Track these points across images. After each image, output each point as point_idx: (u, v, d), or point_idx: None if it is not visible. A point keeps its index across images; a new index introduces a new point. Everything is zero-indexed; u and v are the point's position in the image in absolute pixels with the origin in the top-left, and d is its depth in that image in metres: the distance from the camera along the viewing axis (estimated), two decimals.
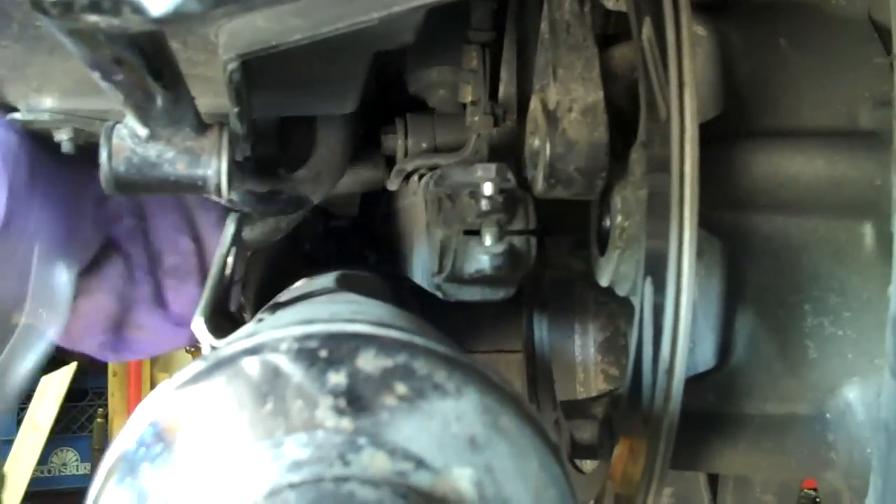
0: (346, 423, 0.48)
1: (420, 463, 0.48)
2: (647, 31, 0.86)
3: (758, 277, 0.92)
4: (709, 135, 0.90)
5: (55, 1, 0.43)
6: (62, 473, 4.84)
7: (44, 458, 4.37)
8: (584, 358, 1.50)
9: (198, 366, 0.52)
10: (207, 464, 0.48)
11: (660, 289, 0.80)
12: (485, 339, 1.72)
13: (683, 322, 0.77)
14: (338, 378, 0.49)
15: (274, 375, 0.50)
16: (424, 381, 0.50)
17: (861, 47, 0.98)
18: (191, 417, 0.50)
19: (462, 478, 0.48)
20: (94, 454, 4.76)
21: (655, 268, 0.82)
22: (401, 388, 0.49)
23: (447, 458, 0.48)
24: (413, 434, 0.48)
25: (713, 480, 1.27)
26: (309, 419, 0.48)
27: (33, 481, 4.02)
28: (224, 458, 0.48)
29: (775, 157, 0.90)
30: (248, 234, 1.24)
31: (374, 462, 0.47)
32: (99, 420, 4.78)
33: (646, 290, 0.84)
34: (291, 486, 0.46)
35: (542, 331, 1.44)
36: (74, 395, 4.55)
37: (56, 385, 4.05)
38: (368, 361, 0.50)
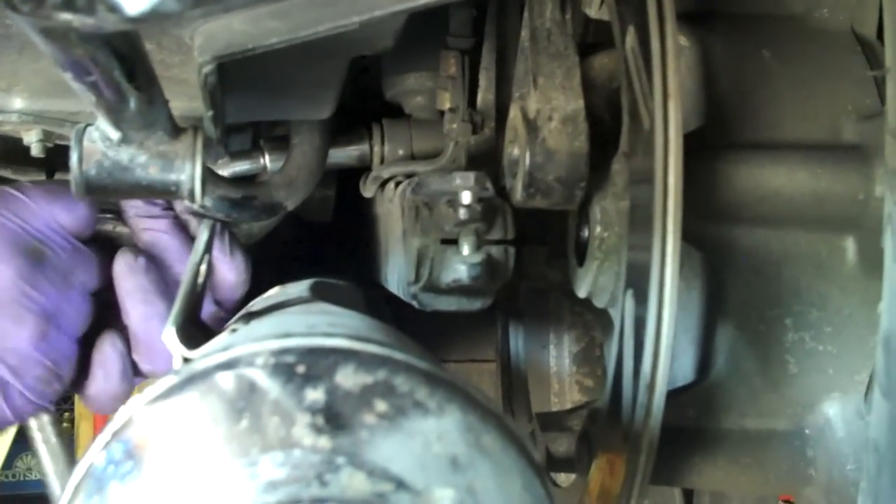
0: (324, 441, 0.46)
1: (400, 484, 0.46)
2: (630, 40, 0.85)
3: (739, 291, 0.91)
4: (691, 146, 0.89)
5: None
6: (27, 478, 4.77)
7: (8, 463, 4.30)
8: (558, 369, 1.49)
9: (170, 380, 0.50)
10: (179, 483, 0.46)
11: (641, 302, 0.79)
12: (458, 348, 1.70)
13: (666, 336, 0.75)
14: (316, 395, 0.47)
15: (249, 391, 0.48)
16: (405, 399, 0.48)
17: (844, 60, 0.98)
18: (162, 434, 0.49)
19: (443, 499, 0.47)
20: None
21: (637, 281, 0.81)
22: (381, 405, 0.48)
23: (428, 478, 0.47)
24: (393, 454, 0.47)
25: (688, 493, 1.26)
26: (285, 437, 0.46)
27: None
28: (197, 477, 0.46)
29: (757, 169, 0.89)
30: None
31: (353, 483, 0.45)
32: (65, 424, 4.70)
33: (627, 302, 0.83)
34: None
35: (517, 341, 1.43)
36: None
37: None
38: (348, 378, 0.48)
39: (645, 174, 0.79)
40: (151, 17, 0.41)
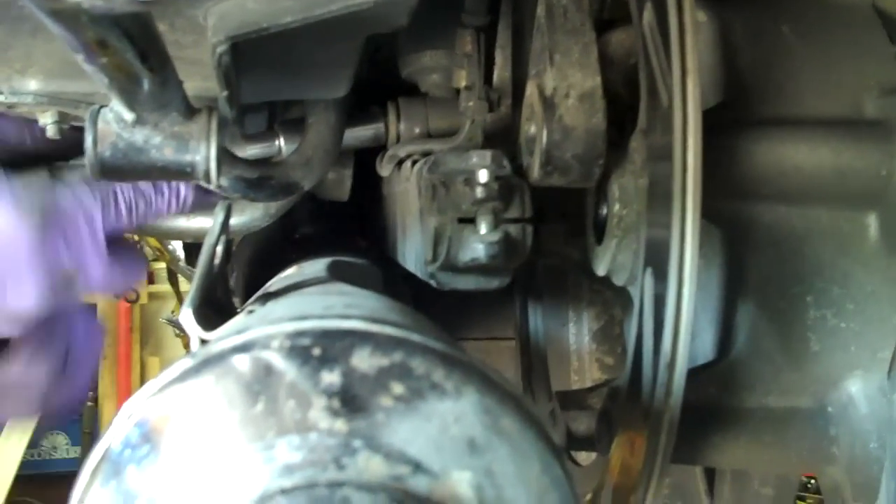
0: (340, 424, 0.46)
1: (417, 466, 0.46)
2: (648, 15, 0.84)
3: (759, 268, 0.90)
4: (710, 123, 0.88)
5: None
6: (52, 457, 4.83)
7: (34, 442, 4.35)
8: (578, 347, 1.48)
9: (186, 363, 0.49)
10: (195, 466, 0.46)
11: (661, 280, 0.78)
12: (477, 325, 1.70)
13: (686, 314, 0.75)
14: (332, 377, 0.47)
15: (265, 374, 0.47)
16: (422, 381, 0.48)
17: (865, 35, 0.96)
18: (178, 417, 0.48)
19: (461, 482, 0.46)
20: (84, 437, 4.74)
21: (656, 259, 0.80)
22: (397, 387, 0.47)
23: (446, 461, 0.46)
24: (410, 436, 0.46)
25: (709, 471, 1.26)
26: (302, 420, 0.46)
27: (24, 464, 4.00)
28: (213, 460, 0.46)
29: (778, 146, 0.88)
30: (237, 219, 1.22)
31: (370, 466, 0.45)
32: (89, 403, 4.75)
33: (646, 281, 0.82)
34: (283, 491, 0.44)
35: (536, 319, 1.42)
36: None
37: None
38: (364, 360, 0.48)
39: (664, 151, 0.78)
40: None
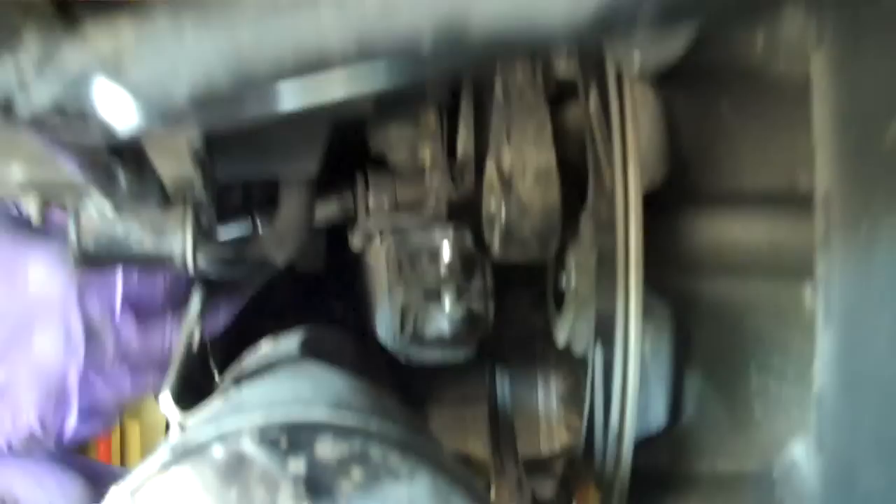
0: None
1: None
2: (593, 101, 0.90)
3: (705, 339, 0.95)
4: (654, 199, 0.94)
5: (30, 118, 0.46)
6: None
7: None
8: (546, 412, 1.52)
9: (164, 455, 0.54)
10: None
11: (609, 352, 0.83)
12: (450, 389, 1.74)
13: (631, 387, 0.80)
14: (297, 465, 0.52)
15: (238, 463, 0.52)
16: (379, 467, 0.53)
17: (800, 110, 1.02)
18: (164, 499, 0.53)
19: None
20: None
21: (604, 330, 0.85)
22: (356, 473, 0.52)
23: None
24: None
25: None
26: None
27: None
28: None
29: (717, 221, 0.94)
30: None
31: None
32: None
33: (596, 352, 0.88)
34: None
35: (503, 386, 1.47)
36: None
37: None
38: (326, 449, 0.53)
39: (609, 229, 0.84)
40: (138, 135, 0.46)
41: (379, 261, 1.20)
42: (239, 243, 1.16)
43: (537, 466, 1.18)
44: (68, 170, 0.72)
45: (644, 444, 0.93)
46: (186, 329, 0.89)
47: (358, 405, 0.57)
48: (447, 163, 1.28)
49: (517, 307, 1.38)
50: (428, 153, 1.29)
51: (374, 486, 0.52)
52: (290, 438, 0.53)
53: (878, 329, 0.55)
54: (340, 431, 0.53)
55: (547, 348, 1.49)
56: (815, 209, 0.93)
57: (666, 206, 0.96)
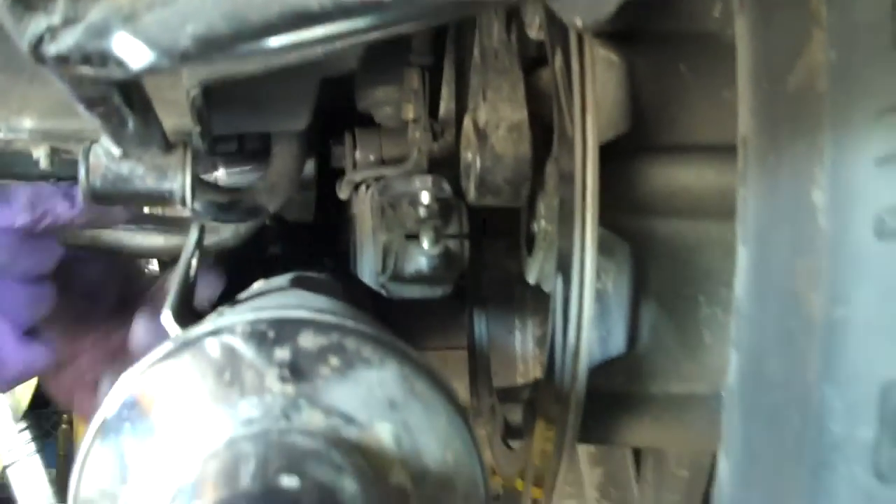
0: (289, 388, 0.60)
1: (349, 419, 0.60)
2: (558, 60, 0.99)
3: (659, 274, 1.04)
4: (616, 149, 1.03)
5: (55, 56, 0.55)
6: None
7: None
8: (523, 352, 1.62)
9: (167, 346, 0.63)
10: (177, 423, 0.60)
11: (567, 284, 0.93)
12: (434, 337, 1.84)
13: (586, 312, 0.89)
14: (282, 353, 0.61)
15: (230, 352, 0.61)
16: (353, 355, 0.62)
17: None
18: (162, 388, 0.62)
19: (383, 431, 0.61)
20: (59, 460, 4.79)
21: (564, 266, 0.94)
22: (334, 360, 0.61)
23: (371, 415, 0.61)
24: (343, 397, 0.60)
25: (638, 459, 1.40)
26: (259, 386, 0.60)
27: (0, 487, 4.06)
28: (190, 418, 0.60)
29: (671, 169, 1.03)
30: (210, 239, 1.36)
31: (312, 419, 0.59)
32: (64, 426, 4.81)
33: (558, 285, 0.97)
34: (245, 437, 0.58)
35: (481, 327, 1.56)
36: (38, 402, 4.59)
37: (20, 392, 4.10)
38: (308, 340, 0.62)
39: (569, 175, 0.93)
40: (150, 71, 0.55)
41: (364, 208, 1.30)
42: (233, 189, 1.25)
43: (509, 395, 1.27)
44: (84, 116, 0.81)
45: (604, 368, 1.03)
46: (184, 259, 0.98)
47: (336, 312, 0.66)
48: (429, 120, 1.38)
49: (495, 255, 1.48)
50: (411, 111, 1.39)
51: (349, 370, 0.61)
52: (277, 332, 0.62)
53: (780, 243, 0.64)
54: (321, 326, 0.62)
55: (524, 294, 1.59)
56: None
57: (627, 155, 1.05)
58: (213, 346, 0.62)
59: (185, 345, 0.63)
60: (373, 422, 0.61)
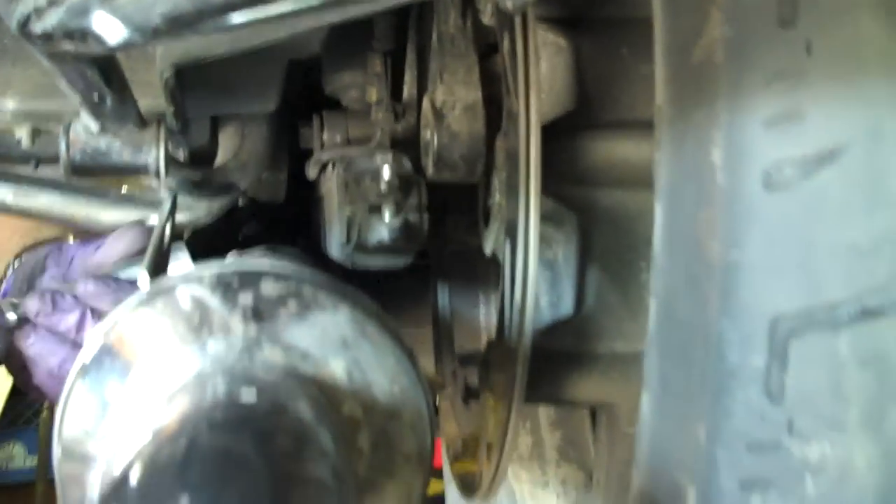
0: (251, 329, 0.67)
1: (306, 356, 0.68)
2: (506, 44, 1.06)
3: (602, 241, 1.13)
4: (563, 126, 1.11)
5: (40, 33, 0.62)
6: (9, 468, 4.91)
7: None
8: (487, 324, 1.70)
9: (140, 296, 0.71)
10: (151, 360, 0.68)
11: (514, 249, 1.00)
12: (403, 317, 1.92)
13: (531, 272, 0.97)
14: (245, 299, 0.68)
15: (199, 299, 0.69)
16: (310, 301, 0.69)
17: None
18: (137, 331, 0.69)
19: (337, 367, 0.68)
20: (41, 447, 4.84)
21: (512, 233, 1.02)
22: (292, 304, 0.69)
23: (326, 353, 0.68)
24: (301, 336, 0.68)
25: (595, 422, 1.48)
26: (224, 327, 0.67)
27: None
28: (162, 356, 0.67)
29: (612, 143, 1.11)
30: (184, 216, 1.43)
31: (273, 355, 0.67)
32: (45, 413, 4.86)
33: (506, 251, 1.05)
34: (213, 371, 0.65)
35: (444, 299, 1.65)
36: (19, 390, 4.62)
37: (0, 380, 4.15)
38: (268, 287, 0.69)
39: (514, 150, 1.01)
40: (124, 46, 0.62)
41: (331, 185, 1.37)
42: (205, 167, 1.32)
43: (468, 359, 1.34)
44: (66, 94, 0.88)
45: (554, 329, 1.11)
46: (158, 226, 1.05)
47: (295, 267, 0.74)
48: (391, 102, 1.45)
49: (458, 231, 1.56)
50: (374, 94, 1.46)
51: (306, 314, 0.69)
52: (241, 280, 0.69)
53: (685, 197, 0.72)
54: (280, 276, 0.70)
55: (488, 270, 1.67)
56: None
57: (572, 131, 1.13)
58: (183, 294, 0.70)
59: (158, 293, 0.70)
60: (327, 358, 0.68)
